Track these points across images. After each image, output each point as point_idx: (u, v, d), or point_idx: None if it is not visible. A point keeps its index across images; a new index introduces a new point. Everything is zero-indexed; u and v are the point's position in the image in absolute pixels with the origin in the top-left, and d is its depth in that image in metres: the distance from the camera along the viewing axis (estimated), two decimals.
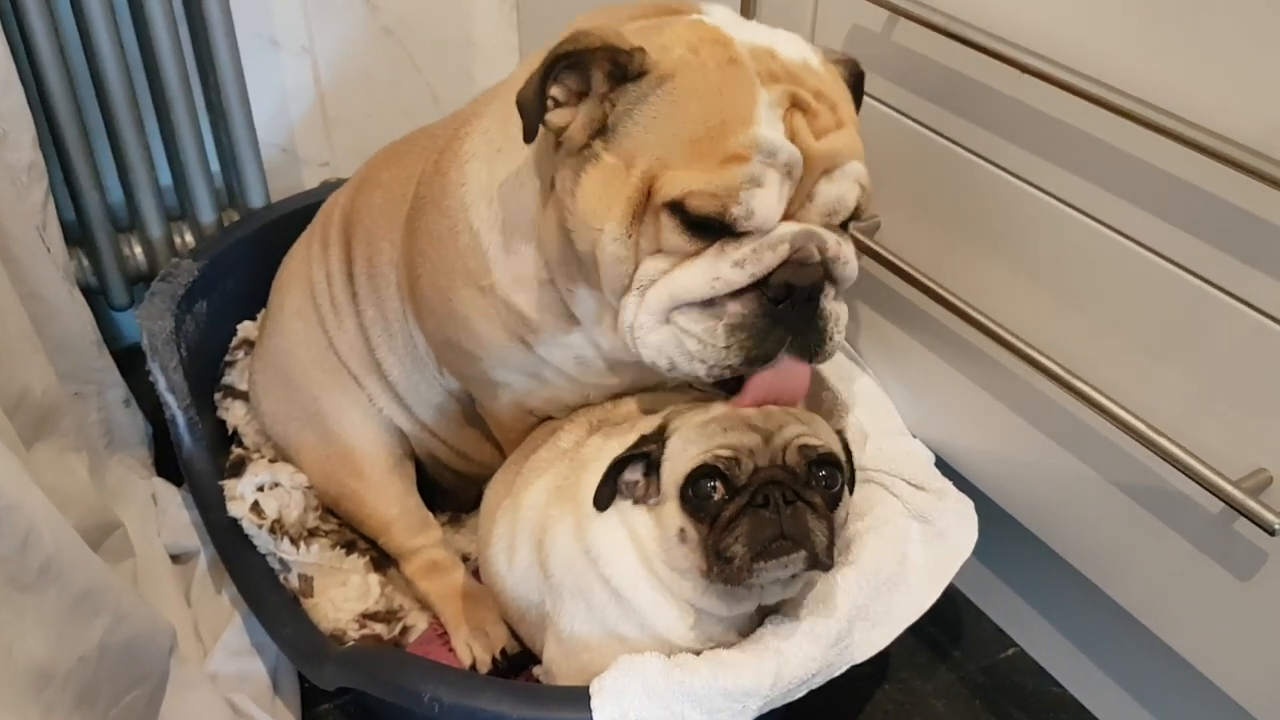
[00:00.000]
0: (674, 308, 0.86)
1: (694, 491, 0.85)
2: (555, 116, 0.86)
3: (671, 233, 0.83)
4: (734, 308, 0.84)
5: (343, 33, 1.57)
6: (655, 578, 0.90)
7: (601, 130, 0.85)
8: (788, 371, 0.88)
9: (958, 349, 1.09)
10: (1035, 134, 0.94)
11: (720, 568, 0.84)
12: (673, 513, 0.87)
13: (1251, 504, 0.82)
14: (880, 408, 1.17)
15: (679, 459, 0.87)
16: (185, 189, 1.47)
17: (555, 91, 0.85)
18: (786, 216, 0.84)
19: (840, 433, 0.94)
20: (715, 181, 0.80)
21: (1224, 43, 0.79)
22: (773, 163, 0.81)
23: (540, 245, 0.94)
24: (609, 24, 0.87)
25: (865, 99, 1.09)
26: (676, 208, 0.82)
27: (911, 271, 1.08)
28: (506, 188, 0.95)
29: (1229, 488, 0.83)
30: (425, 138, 1.15)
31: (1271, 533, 0.81)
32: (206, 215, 1.49)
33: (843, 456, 0.90)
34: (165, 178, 1.48)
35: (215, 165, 1.51)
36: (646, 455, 0.90)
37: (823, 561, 0.85)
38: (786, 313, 0.85)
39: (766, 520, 0.83)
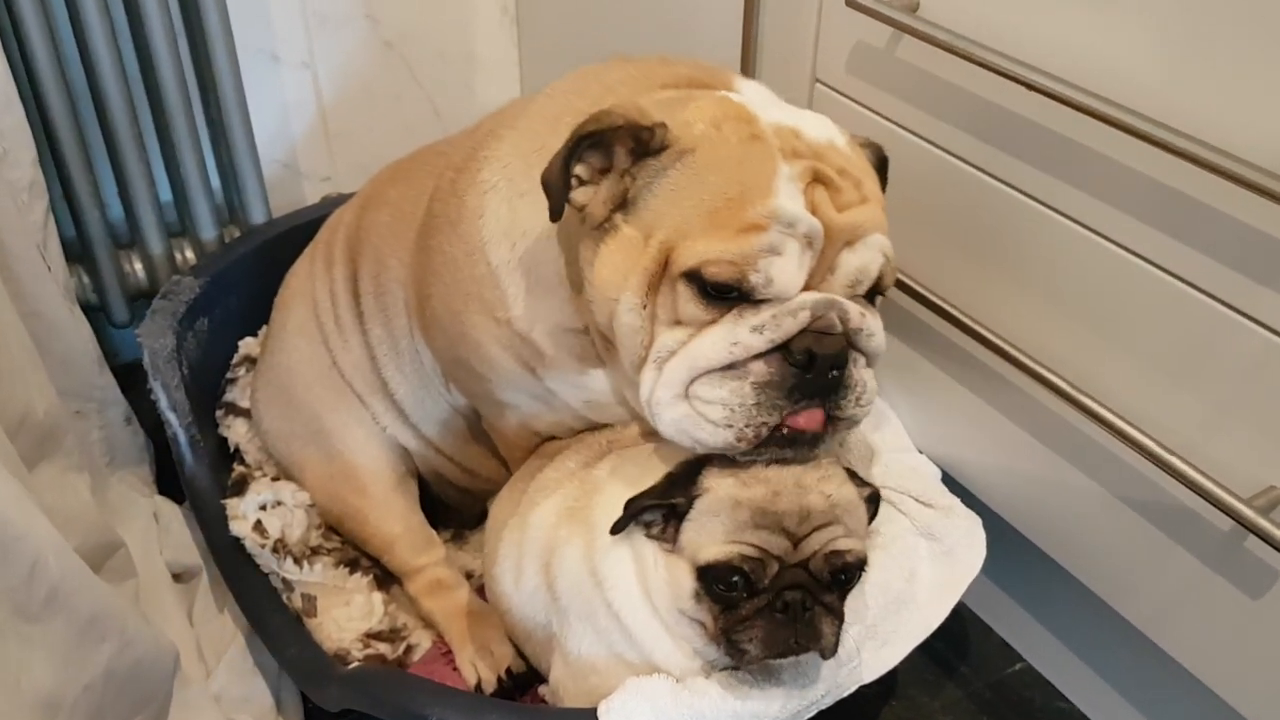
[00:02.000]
0: (693, 379, 0.84)
1: (714, 579, 0.85)
2: (579, 194, 0.86)
3: (689, 302, 0.83)
4: (758, 367, 0.83)
5: (343, 47, 1.57)
6: (655, 612, 0.90)
7: (622, 204, 0.85)
8: None
9: (965, 365, 1.09)
10: (1039, 149, 0.94)
11: (729, 651, 0.85)
12: (688, 574, 0.86)
13: (1262, 522, 0.82)
14: (887, 424, 1.17)
15: (704, 533, 0.86)
16: (186, 205, 1.47)
17: (579, 170, 0.85)
18: (808, 288, 0.83)
19: (874, 493, 0.93)
20: (733, 249, 0.80)
21: (1233, 59, 0.79)
22: (792, 233, 0.81)
23: (580, 315, 0.93)
24: (634, 97, 0.87)
25: (869, 116, 1.10)
26: (693, 276, 0.81)
27: (918, 288, 1.07)
28: (531, 239, 0.94)
29: (1239, 506, 0.83)
30: (434, 155, 1.14)
31: None
32: (207, 231, 1.48)
33: (865, 539, 0.90)
34: (166, 194, 1.48)
35: (216, 181, 1.50)
36: (673, 506, 0.88)
37: (827, 655, 0.86)
38: (812, 382, 0.83)
39: (782, 625, 0.84)
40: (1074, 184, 0.92)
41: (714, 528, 0.86)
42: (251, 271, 1.41)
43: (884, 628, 0.98)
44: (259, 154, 1.47)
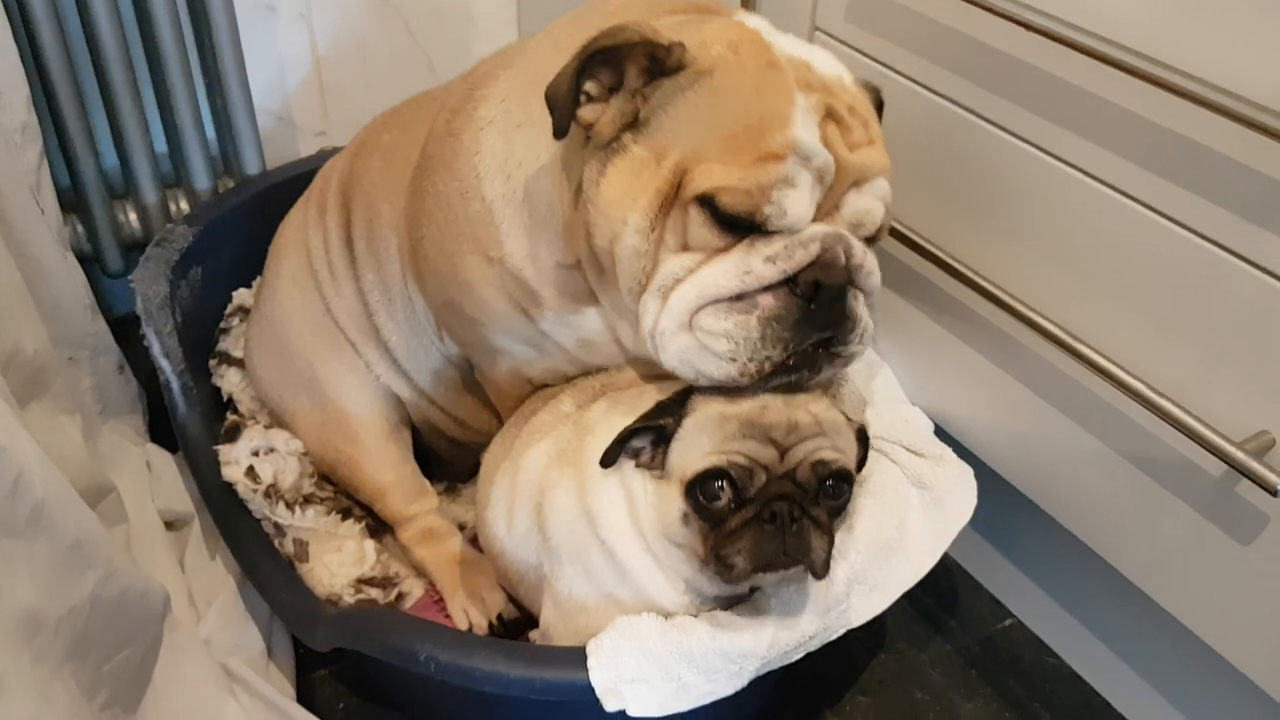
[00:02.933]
0: (699, 308, 0.84)
1: (702, 491, 0.85)
2: (586, 111, 0.85)
3: (700, 227, 0.82)
4: (766, 301, 0.83)
5: (340, 0, 1.55)
6: (647, 545, 0.90)
7: (632, 124, 0.84)
8: None
9: (956, 314, 1.08)
10: (1036, 94, 0.93)
11: (718, 569, 0.85)
12: (676, 496, 0.86)
13: (1254, 465, 0.81)
14: (880, 375, 1.17)
15: (691, 448, 0.86)
16: (180, 155, 1.45)
17: (589, 86, 0.84)
18: (815, 221, 0.84)
19: (861, 428, 0.93)
20: (749, 178, 0.80)
21: None
22: (807, 166, 0.81)
23: (571, 242, 0.92)
24: (644, 18, 0.86)
25: (869, 64, 1.09)
26: (707, 201, 0.81)
27: (910, 235, 1.07)
28: (527, 170, 0.93)
29: (1232, 449, 0.83)
30: (428, 100, 1.13)
31: (1274, 494, 0.81)
32: (202, 182, 1.47)
33: (855, 464, 0.90)
34: (160, 144, 1.46)
35: (211, 132, 1.49)
36: (661, 428, 0.88)
37: (818, 573, 0.86)
38: (816, 314, 0.84)
39: (770, 536, 0.83)
40: (1070, 128, 0.91)
41: (701, 442, 0.86)
42: (246, 222, 1.40)
43: (873, 573, 0.98)
44: (254, 105, 1.46)
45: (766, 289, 0.83)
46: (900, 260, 1.12)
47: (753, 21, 0.91)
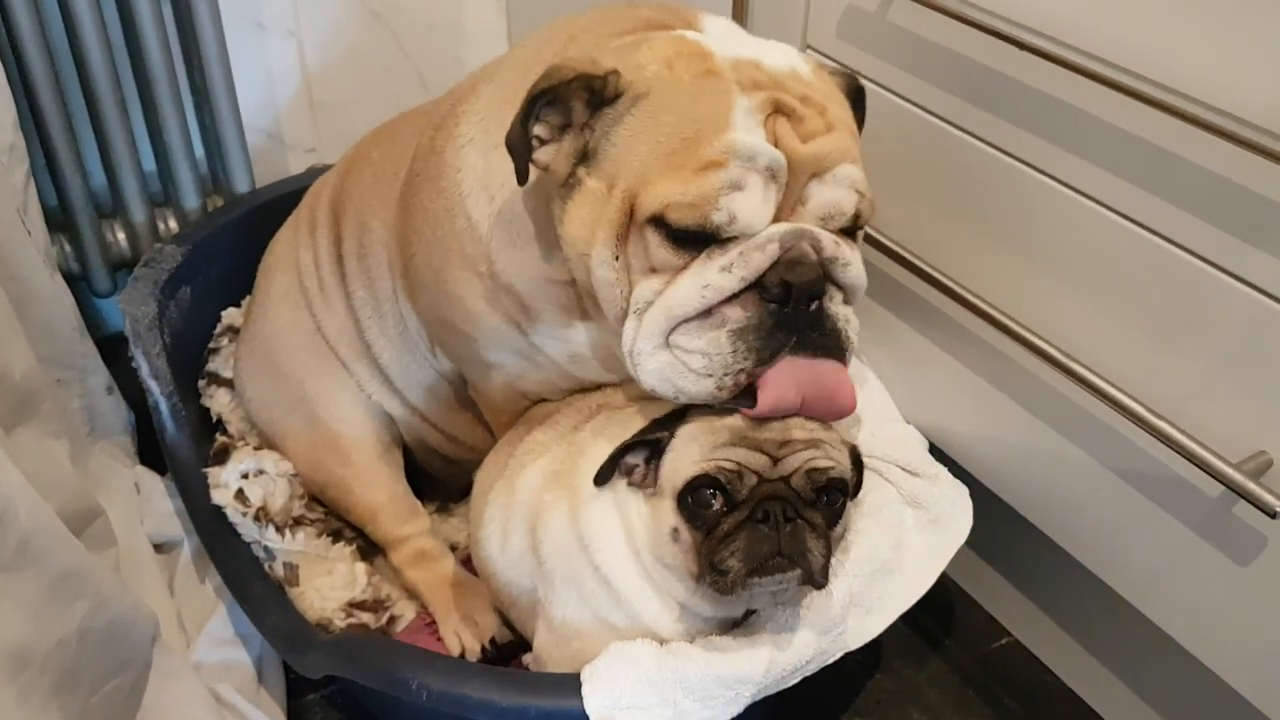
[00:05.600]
0: (671, 328, 0.83)
1: (692, 499, 0.84)
2: (542, 154, 0.85)
3: (659, 249, 0.82)
4: (734, 313, 0.81)
5: (330, 16, 1.55)
6: (644, 569, 0.89)
7: (584, 157, 0.84)
8: (814, 369, 0.84)
9: (952, 333, 1.08)
10: (1029, 112, 0.93)
11: (713, 578, 0.83)
12: (668, 511, 0.86)
13: (1252, 486, 0.81)
14: (874, 393, 1.16)
15: (681, 459, 0.86)
16: (169, 174, 1.45)
17: (539, 130, 0.84)
18: (778, 220, 0.82)
19: (854, 448, 0.92)
20: (693, 190, 0.79)
21: (1223, 16, 0.78)
22: (753, 166, 0.79)
23: (563, 261, 0.91)
24: (590, 48, 0.86)
25: (861, 82, 1.08)
26: (659, 222, 0.81)
27: (905, 254, 1.07)
28: (509, 191, 0.92)
29: (1229, 470, 0.82)
30: (418, 115, 1.13)
31: (1272, 515, 0.80)
32: (190, 201, 1.46)
33: (849, 475, 0.88)
34: (149, 163, 1.46)
35: (200, 150, 1.48)
36: (655, 442, 0.88)
37: (817, 580, 0.84)
38: (791, 316, 0.82)
39: (764, 536, 0.82)
40: (1064, 147, 0.91)
41: (690, 451, 0.85)
42: (235, 241, 1.40)
43: (870, 595, 0.97)
44: (243, 123, 1.45)
45: (732, 299, 0.81)
46: (895, 278, 1.12)
47: (703, 32, 0.89)
